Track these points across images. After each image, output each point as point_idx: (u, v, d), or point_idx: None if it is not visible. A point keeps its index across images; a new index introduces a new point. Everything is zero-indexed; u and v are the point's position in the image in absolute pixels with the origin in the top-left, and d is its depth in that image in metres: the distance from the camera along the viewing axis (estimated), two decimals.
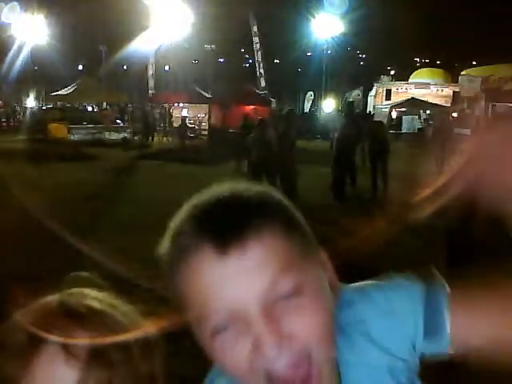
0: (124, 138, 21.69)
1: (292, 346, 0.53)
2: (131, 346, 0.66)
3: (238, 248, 0.55)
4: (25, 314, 0.68)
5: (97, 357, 0.61)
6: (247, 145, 8.88)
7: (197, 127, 26.70)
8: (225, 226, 0.56)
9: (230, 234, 0.55)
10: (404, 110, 27.09)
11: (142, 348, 0.68)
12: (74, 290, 0.74)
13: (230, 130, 17.76)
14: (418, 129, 25.48)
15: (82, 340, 0.61)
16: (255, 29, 25.55)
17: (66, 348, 0.60)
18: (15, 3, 29.38)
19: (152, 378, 0.69)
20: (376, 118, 18.31)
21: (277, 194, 0.64)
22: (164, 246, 0.66)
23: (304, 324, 0.54)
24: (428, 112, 27.71)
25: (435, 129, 17.47)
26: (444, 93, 29.89)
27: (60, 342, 0.59)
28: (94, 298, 0.71)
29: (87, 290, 0.73)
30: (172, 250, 0.63)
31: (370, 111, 26.90)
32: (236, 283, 0.54)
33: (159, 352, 0.74)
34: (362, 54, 73.27)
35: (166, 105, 27.52)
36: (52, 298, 0.72)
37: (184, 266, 0.59)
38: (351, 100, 29.47)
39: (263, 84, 25.38)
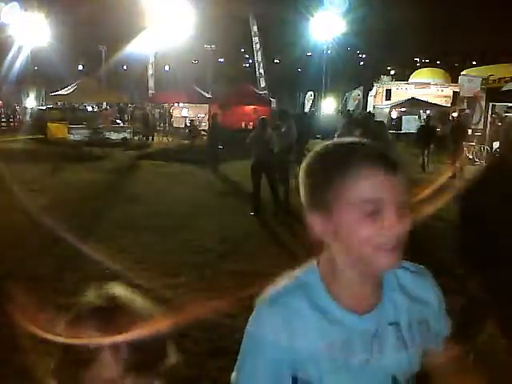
0: (124, 138, 21.68)
1: (400, 232, 0.92)
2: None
3: (394, 171, 0.92)
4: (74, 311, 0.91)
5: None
6: (247, 144, 8.86)
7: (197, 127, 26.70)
8: (390, 157, 0.94)
9: (390, 162, 0.93)
10: (404, 109, 27.06)
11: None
12: (104, 287, 0.96)
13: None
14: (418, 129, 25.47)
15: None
16: (255, 29, 25.53)
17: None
18: (15, 3, 29.38)
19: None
20: (376, 118, 18.26)
21: None
22: (324, 161, 0.97)
23: (407, 224, 0.93)
24: (428, 112, 27.71)
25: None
26: (444, 93, 29.86)
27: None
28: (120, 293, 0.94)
29: (115, 287, 0.97)
30: (339, 162, 0.94)
31: (370, 111, 26.87)
32: (391, 190, 0.91)
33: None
34: (362, 54, 73.24)
35: (166, 105, 27.52)
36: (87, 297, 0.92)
37: (357, 172, 0.92)
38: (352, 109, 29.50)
39: (263, 84, 25.35)
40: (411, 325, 1.04)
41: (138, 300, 0.97)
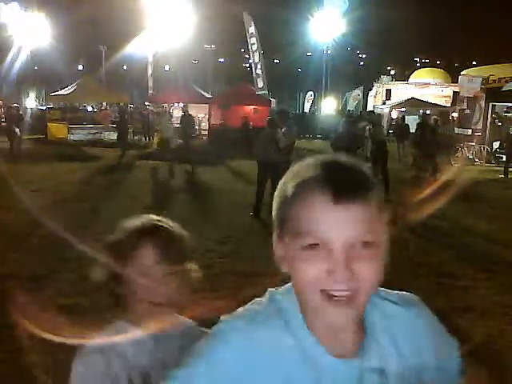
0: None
1: (352, 280, 0.75)
2: (180, 241, 1.25)
3: (348, 202, 0.75)
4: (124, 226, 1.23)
5: (166, 248, 1.18)
6: (255, 144, 8.86)
7: (197, 127, 26.69)
8: (344, 183, 0.76)
9: (345, 189, 0.75)
10: (404, 109, 27.08)
11: (183, 241, 1.26)
12: (150, 215, 1.25)
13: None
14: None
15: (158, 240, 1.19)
16: (251, 30, 25.41)
17: (151, 242, 1.18)
18: (15, 3, 29.38)
19: (188, 257, 1.26)
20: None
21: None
22: (288, 181, 0.82)
23: (367, 270, 0.75)
24: (428, 112, 27.72)
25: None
26: (444, 93, 29.88)
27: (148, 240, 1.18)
28: (161, 220, 1.25)
29: (156, 217, 1.26)
30: (296, 187, 0.79)
31: (372, 110, 26.88)
32: (337, 224, 0.75)
33: (189, 243, 1.28)
34: (362, 54, 73.27)
35: (166, 105, 27.50)
36: (143, 219, 1.24)
37: (304, 198, 0.77)
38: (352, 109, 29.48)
39: (260, 85, 25.28)
40: (403, 373, 0.86)
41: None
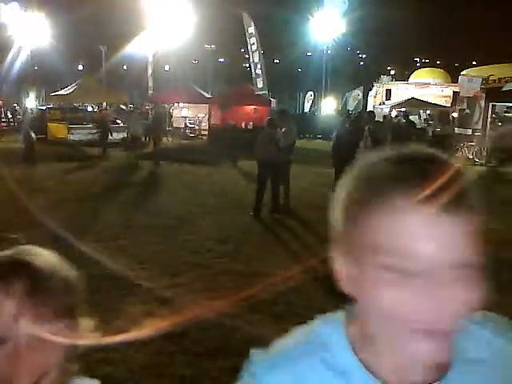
0: (124, 138, 21.66)
1: (452, 309, 0.57)
2: (55, 287, 0.79)
3: (456, 213, 0.57)
4: None
5: (29, 296, 0.75)
6: (256, 144, 8.84)
7: (197, 127, 26.69)
8: (448, 193, 0.57)
9: (450, 201, 0.57)
10: (404, 110, 27.06)
11: (64, 286, 0.81)
12: (26, 247, 0.84)
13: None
14: (418, 129, 25.45)
15: (17, 285, 0.76)
16: (250, 30, 25.38)
17: (5, 287, 0.75)
18: (15, 3, 29.36)
19: (72, 312, 0.82)
20: (376, 118, 18.27)
21: None
22: (362, 181, 0.63)
23: (467, 294, 0.58)
24: (428, 112, 27.69)
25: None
26: (444, 93, 29.83)
27: (2, 283, 0.76)
28: (36, 254, 0.83)
29: (35, 249, 0.84)
30: (375, 189, 0.61)
31: (372, 110, 26.89)
32: (436, 239, 0.57)
33: (80, 292, 0.85)
34: (362, 54, 73.29)
35: (166, 105, 27.50)
36: (5, 252, 0.82)
37: (393, 206, 0.58)
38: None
39: (260, 85, 25.27)
40: None
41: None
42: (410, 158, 0.62)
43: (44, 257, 0.83)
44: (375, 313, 0.61)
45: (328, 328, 0.71)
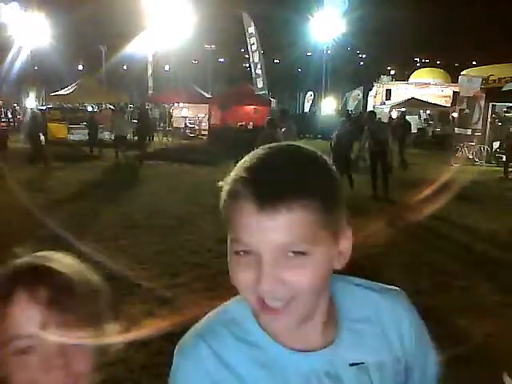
0: (123, 138, 21.66)
1: (283, 290, 0.71)
2: (80, 293, 0.79)
3: (274, 211, 0.69)
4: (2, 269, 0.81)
5: (54, 304, 0.75)
6: (256, 144, 8.86)
7: (197, 127, 26.71)
8: (269, 188, 0.70)
9: (269, 196, 0.69)
10: (404, 110, 27.07)
11: (88, 292, 0.81)
12: (45, 252, 0.84)
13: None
14: (418, 129, 25.46)
15: (42, 292, 0.75)
16: (250, 30, 25.38)
17: (29, 295, 0.75)
18: (15, 3, 29.35)
19: (98, 318, 0.82)
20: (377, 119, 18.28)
21: (327, 164, 0.77)
22: (225, 184, 0.77)
23: (299, 278, 0.71)
24: (428, 112, 27.68)
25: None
26: (444, 93, 29.86)
27: (26, 291, 0.76)
28: (57, 259, 0.82)
29: (55, 254, 0.84)
30: (229, 189, 0.75)
31: (372, 110, 26.92)
32: (262, 234, 0.70)
33: (104, 296, 0.85)
34: (362, 54, 73.29)
35: (166, 105, 27.51)
36: (23, 259, 0.82)
37: (234, 205, 0.73)
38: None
39: (260, 85, 25.29)
40: (382, 366, 0.81)
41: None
42: (260, 164, 0.73)
43: (65, 262, 0.83)
44: (237, 288, 0.75)
45: (238, 305, 0.81)
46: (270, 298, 0.71)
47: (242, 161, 0.76)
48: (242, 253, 0.72)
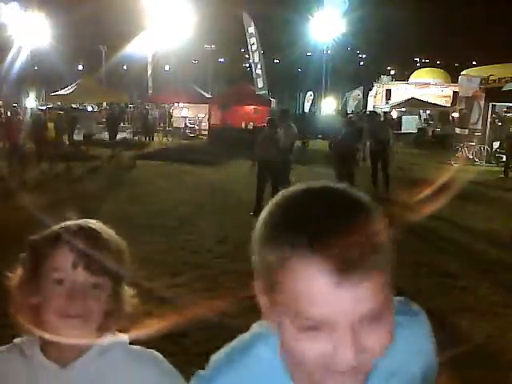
0: (124, 138, 21.68)
1: (361, 356, 0.63)
2: (108, 248, 1.06)
3: (353, 282, 0.61)
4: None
5: (85, 252, 1.00)
6: (256, 144, 8.84)
7: (197, 127, 26.70)
8: (349, 258, 0.60)
9: (351, 267, 0.60)
10: (404, 109, 27.07)
11: (115, 249, 1.09)
12: (85, 219, 1.11)
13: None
14: (418, 129, 25.46)
15: (79, 241, 1.01)
16: (250, 30, 25.37)
17: (71, 243, 1.01)
18: (15, 3, 29.36)
19: (118, 272, 1.08)
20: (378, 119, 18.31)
21: (383, 221, 0.68)
22: (272, 235, 0.65)
23: (377, 342, 0.64)
24: (428, 112, 27.69)
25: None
26: (444, 93, 29.87)
27: (68, 240, 1.01)
28: (94, 223, 1.10)
29: (93, 220, 1.11)
30: (281, 252, 0.64)
31: (375, 111, 26.93)
32: (341, 305, 0.61)
33: (126, 258, 1.16)
34: (362, 54, 73.31)
35: (166, 105, 27.50)
36: (75, 221, 1.08)
37: (295, 270, 0.63)
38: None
39: (260, 85, 25.29)
40: None
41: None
42: (329, 223, 0.62)
43: (100, 226, 1.10)
44: (293, 358, 0.67)
45: (267, 350, 0.76)
46: (346, 366, 0.63)
47: (287, 205, 0.66)
48: (310, 328, 0.63)
